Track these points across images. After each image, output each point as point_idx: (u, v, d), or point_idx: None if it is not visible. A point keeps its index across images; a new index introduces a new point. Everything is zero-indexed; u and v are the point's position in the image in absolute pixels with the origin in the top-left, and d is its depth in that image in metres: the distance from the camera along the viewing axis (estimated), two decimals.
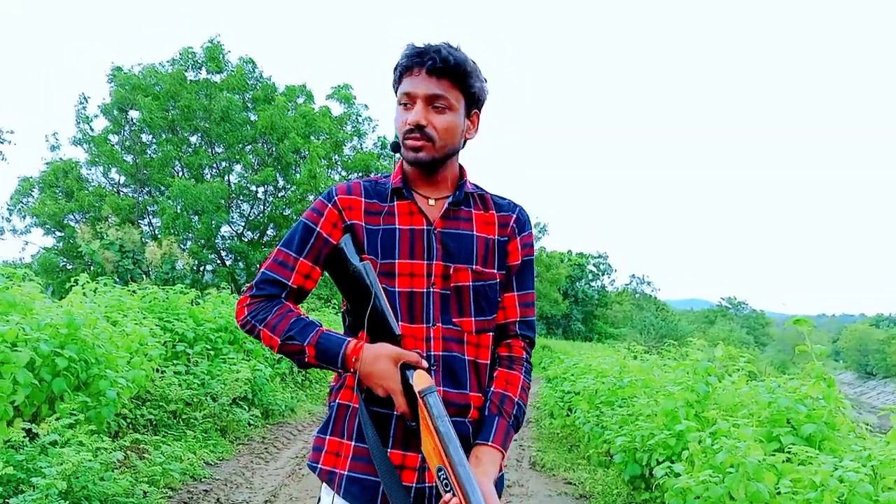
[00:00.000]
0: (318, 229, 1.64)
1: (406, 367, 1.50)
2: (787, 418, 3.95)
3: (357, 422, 1.58)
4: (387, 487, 1.48)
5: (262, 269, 1.67)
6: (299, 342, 1.55)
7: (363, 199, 1.66)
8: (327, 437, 1.64)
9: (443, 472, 1.38)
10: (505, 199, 1.75)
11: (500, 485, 1.68)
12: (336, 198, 1.65)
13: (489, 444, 1.53)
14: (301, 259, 1.63)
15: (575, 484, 6.03)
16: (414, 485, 1.54)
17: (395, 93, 1.64)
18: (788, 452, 3.46)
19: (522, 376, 1.66)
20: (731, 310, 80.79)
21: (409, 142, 1.59)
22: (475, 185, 1.74)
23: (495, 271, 1.65)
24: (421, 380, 1.47)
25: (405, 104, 1.60)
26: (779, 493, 3.20)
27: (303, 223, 1.66)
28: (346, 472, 1.58)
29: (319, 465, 1.62)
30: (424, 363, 1.52)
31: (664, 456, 4.51)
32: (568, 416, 8.36)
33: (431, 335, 1.58)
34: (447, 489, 1.37)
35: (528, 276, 1.72)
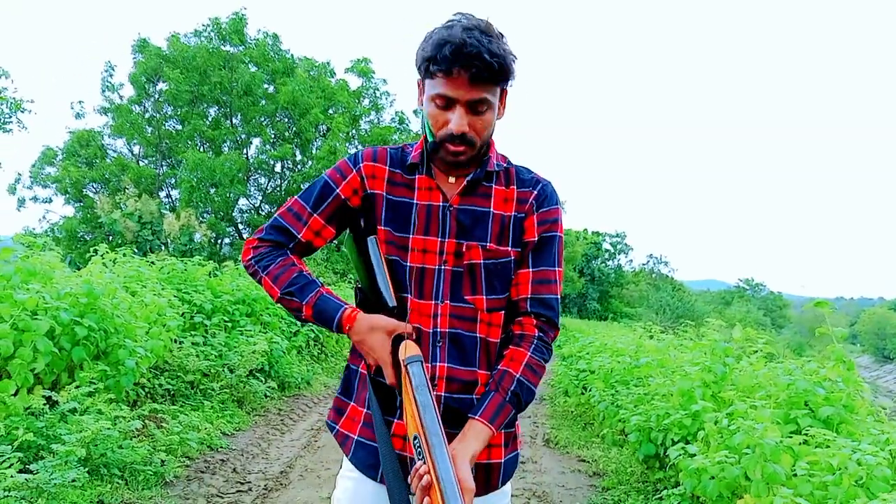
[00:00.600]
0: (337, 190, 1.64)
1: (399, 339, 1.50)
2: (805, 400, 3.92)
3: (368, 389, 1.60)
4: (382, 455, 1.49)
5: (276, 215, 1.67)
6: (298, 300, 1.57)
7: (387, 168, 1.64)
8: (350, 402, 1.66)
9: (417, 440, 1.38)
10: (532, 173, 1.69)
11: (512, 464, 1.67)
12: (361, 164, 1.64)
13: (476, 418, 1.51)
14: (315, 215, 1.64)
15: (588, 462, 6.04)
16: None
17: (420, 75, 1.55)
18: (806, 435, 3.43)
19: (529, 353, 1.58)
20: (749, 291, 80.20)
21: (451, 147, 1.53)
22: (503, 159, 1.68)
23: (509, 249, 1.61)
24: (407, 349, 1.47)
25: (441, 105, 1.51)
26: (795, 475, 3.18)
27: (324, 180, 1.66)
28: (356, 437, 1.62)
29: (338, 427, 1.66)
30: (414, 335, 1.52)
31: (679, 436, 4.49)
32: (583, 394, 8.35)
33: (439, 311, 1.57)
34: (420, 457, 1.37)
35: (547, 254, 1.64)
